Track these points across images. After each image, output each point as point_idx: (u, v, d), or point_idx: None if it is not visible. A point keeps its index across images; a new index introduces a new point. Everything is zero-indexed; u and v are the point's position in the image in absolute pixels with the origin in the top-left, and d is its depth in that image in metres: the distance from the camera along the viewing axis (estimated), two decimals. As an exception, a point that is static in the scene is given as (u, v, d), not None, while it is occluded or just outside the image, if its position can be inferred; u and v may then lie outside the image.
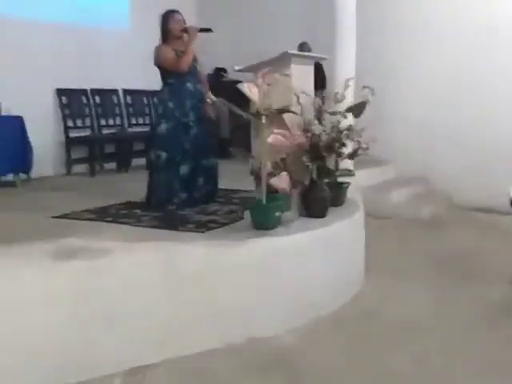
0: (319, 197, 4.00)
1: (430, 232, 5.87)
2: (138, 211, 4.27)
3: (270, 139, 3.45)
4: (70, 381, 2.81)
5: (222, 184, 4.78)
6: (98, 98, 7.35)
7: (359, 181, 4.94)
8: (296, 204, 3.99)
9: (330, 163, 4.12)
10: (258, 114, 3.45)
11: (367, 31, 6.92)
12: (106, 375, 2.88)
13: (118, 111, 7.61)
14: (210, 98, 4.65)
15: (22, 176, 5.94)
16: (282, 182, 3.59)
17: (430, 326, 3.57)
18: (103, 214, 4.20)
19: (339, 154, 4.20)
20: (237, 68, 4.32)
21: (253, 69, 3.97)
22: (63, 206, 4.41)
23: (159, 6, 4.64)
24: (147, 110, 7.94)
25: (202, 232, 3.62)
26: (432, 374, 3.00)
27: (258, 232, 3.54)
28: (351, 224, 4.17)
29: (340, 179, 4.41)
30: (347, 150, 4.31)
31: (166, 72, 4.41)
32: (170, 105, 4.40)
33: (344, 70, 5.67)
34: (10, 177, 5.90)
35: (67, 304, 2.83)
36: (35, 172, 6.04)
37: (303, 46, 7.10)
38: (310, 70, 4.39)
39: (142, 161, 6.55)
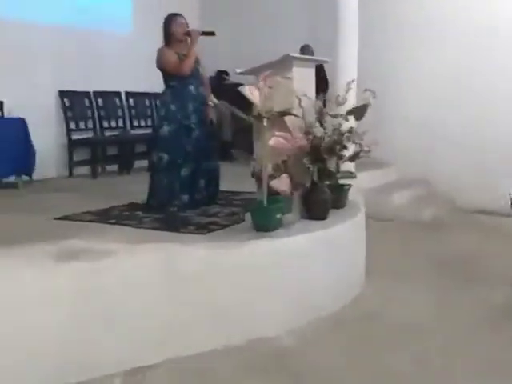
0: (320, 199, 4.01)
1: (432, 234, 5.88)
2: (140, 213, 4.29)
3: (271, 142, 3.46)
4: (70, 381, 2.81)
5: (224, 186, 4.80)
6: (100, 101, 7.38)
7: (361, 183, 4.96)
8: (297, 206, 4.00)
9: (331, 165, 4.14)
10: (259, 117, 3.46)
11: (369, 32, 6.94)
12: (106, 375, 2.89)
13: (120, 113, 7.65)
14: (212, 100, 4.68)
15: (25, 178, 5.96)
16: (282, 184, 3.61)
17: (431, 328, 3.57)
18: (105, 216, 4.22)
19: (340, 157, 4.21)
20: (238, 71, 4.34)
21: (254, 72, 3.98)
22: (65, 208, 4.43)
23: (162, 9, 4.67)
24: (149, 113, 7.97)
25: (203, 234, 3.64)
26: (432, 374, 3.00)
27: (259, 234, 3.55)
28: (352, 226, 4.18)
29: (341, 181, 4.42)
30: (348, 153, 4.33)
31: (168, 75, 4.44)
32: (173, 107, 4.42)
33: (346, 71, 5.69)
34: (12, 179, 5.92)
35: (68, 304, 2.85)
36: (38, 174, 6.06)
37: (305, 49, 7.11)
38: (311, 73, 4.40)
39: (144, 163, 6.54)
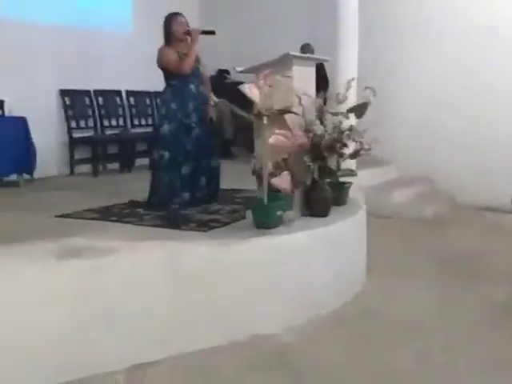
0: (321, 196, 4.03)
1: (433, 231, 5.89)
2: (141, 210, 4.31)
3: (271, 140, 3.47)
4: (71, 378, 2.82)
5: (225, 184, 4.81)
6: (101, 99, 7.40)
7: (362, 181, 4.96)
8: (298, 204, 4.01)
9: (332, 163, 4.15)
10: (259, 115, 3.47)
11: (369, 31, 6.95)
12: (108, 372, 2.90)
13: (120, 112, 7.66)
14: (212, 99, 4.69)
15: (26, 176, 5.97)
16: (283, 181, 3.62)
17: (433, 325, 3.58)
18: (106, 214, 4.23)
19: (341, 155, 4.22)
20: (238, 69, 4.34)
21: (254, 70, 3.99)
22: (67, 206, 4.44)
23: (162, 9, 4.68)
24: (150, 111, 7.98)
25: (204, 231, 3.65)
26: (434, 371, 3.01)
27: (260, 231, 3.57)
28: (353, 223, 4.19)
29: (342, 179, 4.43)
30: (349, 151, 4.34)
31: (168, 74, 4.45)
32: (173, 106, 4.43)
33: (346, 70, 5.68)
34: (13, 177, 5.93)
35: (69, 302, 2.86)
36: (39, 172, 6.07)
37: (306, 48, 7.11)
38: (311, 72, 4.40)
39: (146, 161, 6.57)
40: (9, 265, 2.94)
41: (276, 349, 3.23)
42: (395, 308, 3.84)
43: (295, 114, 3.81)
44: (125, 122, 7.71)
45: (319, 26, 7.24)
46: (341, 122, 4.13)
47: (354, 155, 4.44)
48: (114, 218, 4.08)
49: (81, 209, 4.36)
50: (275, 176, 3.61)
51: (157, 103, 7.60)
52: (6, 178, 5.95)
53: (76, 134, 6.98)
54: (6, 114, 5.96)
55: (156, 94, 7.11)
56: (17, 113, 5.90)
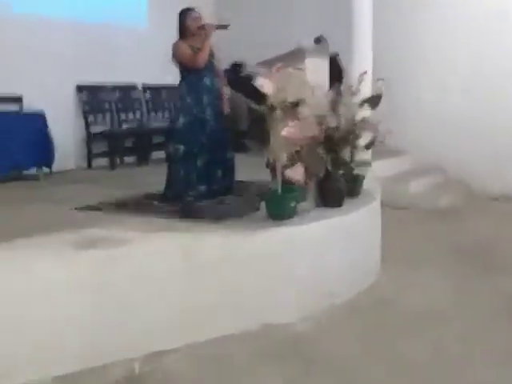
0: (335, 187, 4.05)
1: (448, 222, 5.87)
2: (157, 202, 4.36)
3: (283, 132, 3.50)
4: (88, 366, 2.88)
5: (239, 176, 4.84)
6: (117, 94, 7.47)
7: (376, 171, 4.97)
8: (312, 195, 4.03)
9: (346, 155, 4.16)
10: (272, 108, 3.49)
11: (383, 20, 6.89)
12: (125, 359, 2.95)
13: (137, 106, 7.73)
14: (225, 92, 4.72)
15: (45, 170, 6.06)
16: (296, 173, 3.64)
17: (447, 316, 3.59)
18: (123, 206, 4.29)
19: (354, 146, 4.24)
20: (251, 63, 4.37)
21: (268, 63, 4.01)
22: (84, 199, 4.51)
23: (177, 4, 4.72)
24: (166, 105, 8.03)
25: (219, 223, 3.69)
26: (448, 362, 3.01)
27: (274, 222, 3.60)
28: (367, 213, 4.21)
29: (357, 170, 4.44)
30: (362, 142, 4.34)
31: (183, 68, 4.49)
32: (188, 100, 4.48)
33: (361, 61, 5.66)
34: (33, 171, 6.04)
35: (87, 292, 2.92)
36: (57, 166, 6.16)
37: (319, 40, 7.09)
38: (324, 64, 4.41)
39: (162, 154, 6.63)
40: (29, 255, 3.00)
41: (290, 338, 3.26)
42: (409, 298, 3.84)
43: (308, 106, 3.83)
44: (141, 115, 7.78)
45: (334, 16, 7.21)
46: (354, 114, 4.14)
47: (367, 146, 4.44)
48: (131, 210, 4.14)
49: (98, 201, 4.43)
50: (289, 168, 3.63)
51: (173, 97, 7.66)
52: (25, 172, 6.05)
53: (93, 129, 7.07)
54: (25, 109, 6.06)
55: (172, 88, 7.16)
56: (35, 108, 5.99)
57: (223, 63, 5.80)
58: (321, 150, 3.83)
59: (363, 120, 4.15)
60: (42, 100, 6.01)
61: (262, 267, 3.39)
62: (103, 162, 7.03)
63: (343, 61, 6.43)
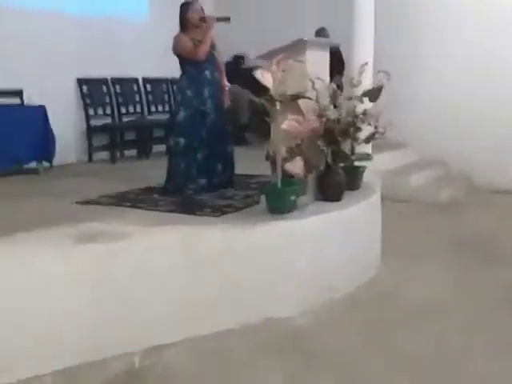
0: (334, 181, 4.04)
1: (449, 214, 5.86)
2: (157, 196, 4.36)
3: (284, 125, 3.48)
4: (87, 360, 2.89)
5: (239, 169, 4.83)
6: (118, 87, 7.46)
7: (377, 165, 4.95)
8: (311, 188, 4.02)
9: (346, 147, 4.15)
10: (272, 100, 3.48)
11: (386, 12, 6.86)
12: (126, 353, 2.96)
13: (137, 99, 7.71)
14: (225, 84, 4.71)
15: (45, 164, 6.05)
16: (296, 167, 3.63)
17: (448, 308, 3.59)
18: (123, 200, 4.29)
19: (355, 139, 4.22)
20: (252, 56, 4.36)
21: (268, 55, 3.99)
22: (85, 192, 4.51)
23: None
24: (166, 98, 8.02)
25: (218, 216, 3.69)
26: (449, 354, 3.02)
27: (273, 216, 3.60)
28: (367, 207, 4.20)
29: (357, 163, 4.43)
30: (363, 135, 4.33)
31: (184, 60, 4.48)
32: (189, 93, 4.47)
33: (361, 54, 5.64)
34: (33, 165, 6.03)
35: (87, 286, 2.93)
36: (58, 160, 6.15)
37: (321, 32, 7.06)
38: (325, 56, 4.39)
39: (163, 147, 6.63)
40: (29, 249, 3.00)
41: (290, 332, 3.27)
42: (410, 291, 3.84)
43: (308, 98, 3.82)
44: (142, 108, 7.77)
45: (334, 10, 7.17)
46: (355, 106, 4.13)
47: (368, 139, 4.43)
48: (131, 204, 4.13)
49: (99, 195, 4.43)
50: (289, 161, 3.62)
51: (173, 90, 7.65)
52: (26, 166, 6.04)
53: (94, 122, 7.05)
54: (26, 102, 6.05)
55: (172, 80, 7.15)
56: (36, 102, 5.98)
57: (225, 56, 5.79)
58: (321, 143, 3.82)
59: (364, 112, 4.12)
60: (42, 93, 5.99)
61: (261, 261, 3.39)
62: (104, 155, 7.02)
63: (344, 53, 6.39)
